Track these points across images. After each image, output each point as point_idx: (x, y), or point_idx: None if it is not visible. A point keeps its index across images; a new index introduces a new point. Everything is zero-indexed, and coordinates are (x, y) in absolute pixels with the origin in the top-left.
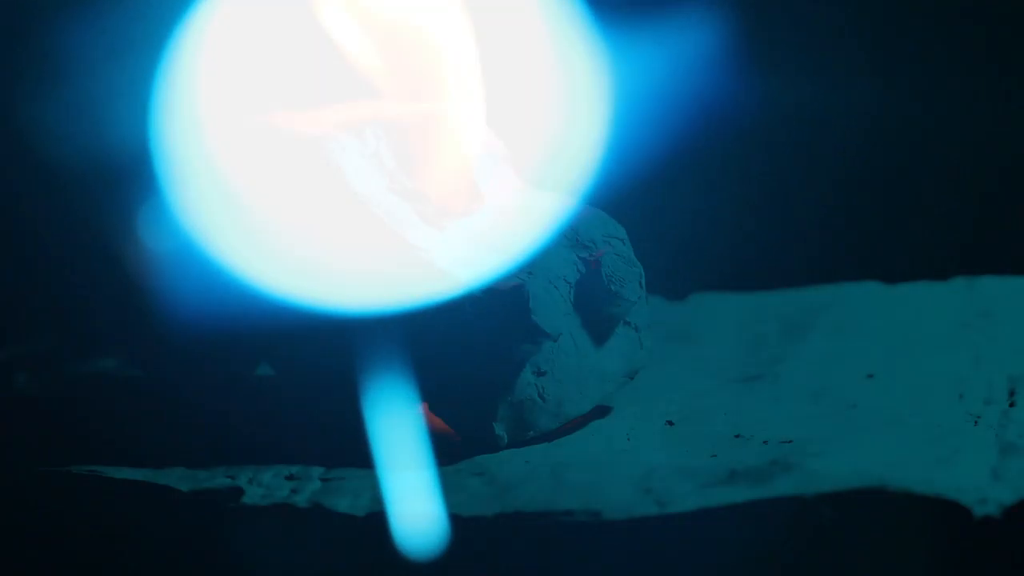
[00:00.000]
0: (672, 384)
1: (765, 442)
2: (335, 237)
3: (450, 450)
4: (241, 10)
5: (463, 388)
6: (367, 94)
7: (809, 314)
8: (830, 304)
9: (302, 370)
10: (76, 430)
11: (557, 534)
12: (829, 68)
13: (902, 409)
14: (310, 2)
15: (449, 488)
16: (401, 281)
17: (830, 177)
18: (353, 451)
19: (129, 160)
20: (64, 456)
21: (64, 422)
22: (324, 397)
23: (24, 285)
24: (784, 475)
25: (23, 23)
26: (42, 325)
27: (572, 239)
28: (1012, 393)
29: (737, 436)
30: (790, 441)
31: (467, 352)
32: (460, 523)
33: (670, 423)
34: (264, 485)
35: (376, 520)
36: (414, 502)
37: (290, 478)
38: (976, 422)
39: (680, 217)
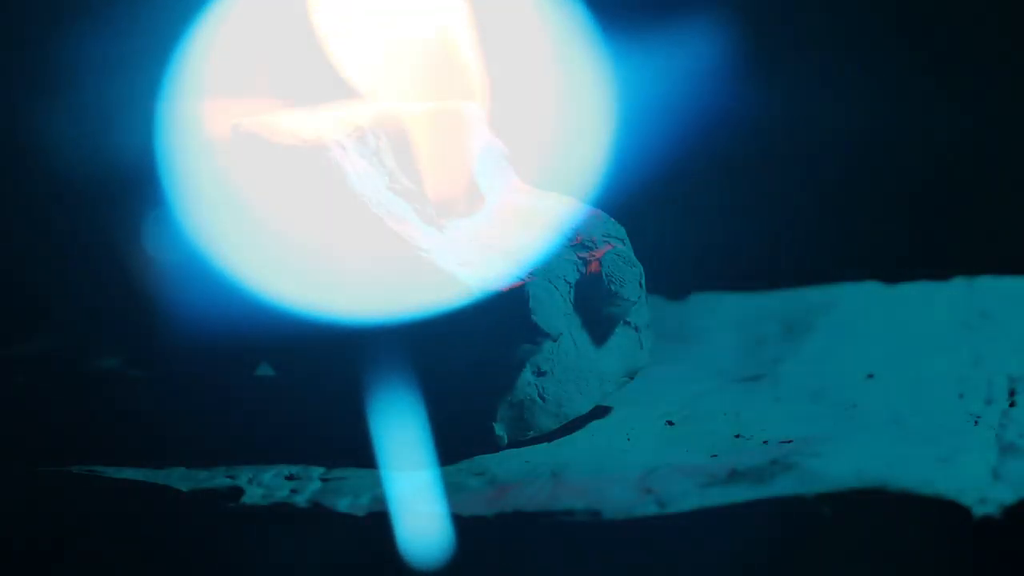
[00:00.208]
0: (672, 384)
1: (765, 442)
2: (336, 238)
3: (450, 450)
4: (242, 12)
5: (463, 388)
6: (367, 94)
7: (809, 314)
8: (830, 304)
9: (302, 370)
10: (76, 430)
11: (557, 534)
12: (829, 70)
13: (902, 409)
14: (310, 2)
15: (449, 488)
16: (401, 281)
17: (830, 177)
18: (353, 451)
19: (133, 165)
20: (64, 456)
21: (64, 422)
22: (324, 397)
23: (27, 286)
24: (784, 475)
25: (29, 32)
26: (43, 325)
27: (572, 239)
28: (1012, 393)
29: (737, 436)
30: (790, 441)
31: (467, 352)
32: (460, 523)
33: (670, 423)
34: (264, 485)
35: (376, 520)
36: (414, 502)
37: (290, 478)
38: (976, 422)
39: (680, 217)
